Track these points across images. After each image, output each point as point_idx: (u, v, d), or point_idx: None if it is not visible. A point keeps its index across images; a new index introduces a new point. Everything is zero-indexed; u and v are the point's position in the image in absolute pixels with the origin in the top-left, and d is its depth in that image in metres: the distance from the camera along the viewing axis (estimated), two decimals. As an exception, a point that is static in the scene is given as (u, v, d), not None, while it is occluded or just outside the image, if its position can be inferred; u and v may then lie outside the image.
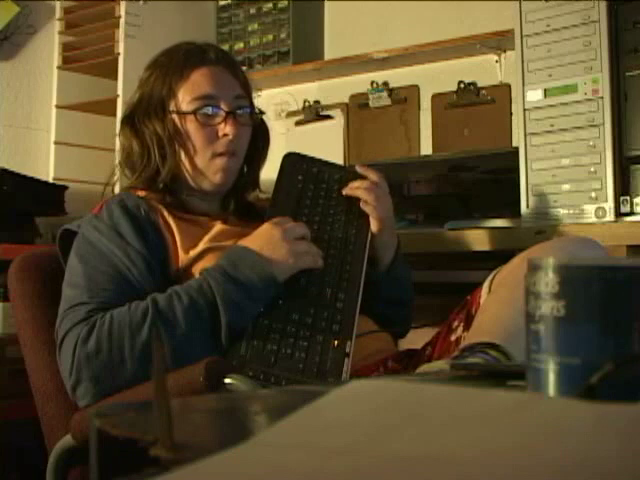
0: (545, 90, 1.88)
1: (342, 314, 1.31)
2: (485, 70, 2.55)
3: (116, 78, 2.78)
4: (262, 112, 1.53)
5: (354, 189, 1.46)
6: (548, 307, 0.54)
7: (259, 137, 1.54)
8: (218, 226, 1.44)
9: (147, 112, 1.45)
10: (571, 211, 1.83)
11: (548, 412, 0.44)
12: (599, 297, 0.53)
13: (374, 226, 1.44)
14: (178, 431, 0.46)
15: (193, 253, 1.36)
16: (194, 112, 1.41)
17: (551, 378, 0.54)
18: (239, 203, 1.53)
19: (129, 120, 1.47)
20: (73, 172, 2.93)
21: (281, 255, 1.28)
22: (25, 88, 3.00)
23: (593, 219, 1.79)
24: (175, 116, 1.43)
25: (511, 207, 1.93)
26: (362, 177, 1.49)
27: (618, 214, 1.77)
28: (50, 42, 3.04)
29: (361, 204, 1.44)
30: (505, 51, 2.49)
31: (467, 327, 1.34)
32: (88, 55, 2.98)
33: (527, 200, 1.88)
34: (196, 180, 1.45)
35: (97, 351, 1.21)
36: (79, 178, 2.90)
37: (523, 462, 0.38)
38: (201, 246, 1.37)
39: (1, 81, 2.94)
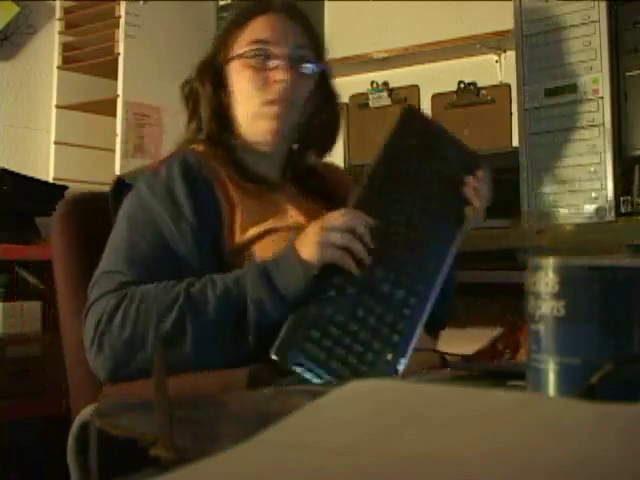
0: (545, 90, 1.88)
1: (406, 324, 1.15)
2: (485, 70, 2.55)
3: (116, 78, 2.78)
4: (325, 65, 1.42)
5: (473, 189, 1.30)
6: (548, 307, 0.54)
7: (325, 95, 1.42)
8: (280, 200, 1.34)
9: (206, 65, 1.42)
10: (571, 211, 1.83)
11: (548, 412, 0.44)
12: (599, 297, 0.53)
13: (465, 228, 1.30)
14: (178, 431, 0.46)
15: (251, 234, 1.27)
16: (245, 55, 1.34)
17: (551, 378, 0.54)
18: (299, 168, 1.43)
19: (198, 72, 1.43)
20: (73, 172, 2.93)
21: (309, 246, 1.18)
22: (25, 88, 3.01)
23: (593, 219, 1.79)
24: (229, 64, 1.37)
25: (511, 207, 1.93)
26: (475, 166, 1.32)
27: (618, 214, 1.77)
28: (50, 42, 3.04)
29: (469, 208, 1.29)
30: (505, 51, 2.49)
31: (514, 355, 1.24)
32: (88, 55, 2.98)
33: (527, 200, 1.88)
34: (248, 133, 1.36)
35: (121, 328, 1.15)
36: (79, 178, 2.90)
37: (523, 462, 0.38)
38: (261, 227, 1.28)
39: (1, 81, 2.94)
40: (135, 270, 1.20)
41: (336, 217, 1.19)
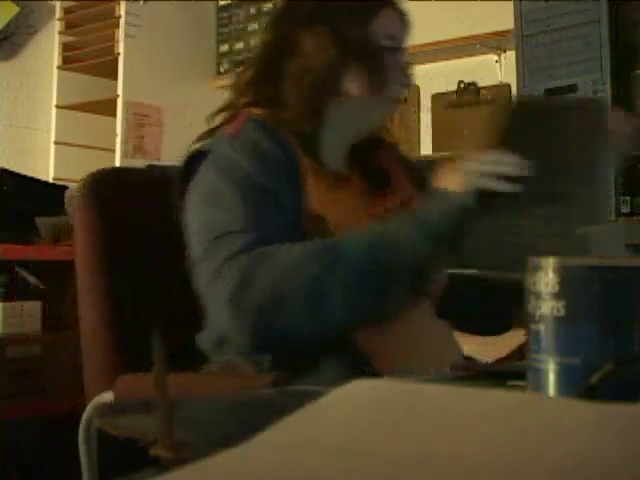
0: (545, 90, 1.88)
1: None
2: (485, 70, 2.55)
3: (116, 78, 2.79)
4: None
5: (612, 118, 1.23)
6: (548, 307, 0.54)
7: None
8: (351, 195, 1.28)
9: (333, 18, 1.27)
10: (571, 211, 1.83)
11: (548, 412, 0.44)
12: (599, 297, 0.53)
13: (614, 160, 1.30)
14: (178, 431, 0.46)
15: (327, 206, 1.22)
16: (385, 48, 1.28)
17: (551, 378, 0.54)
18: (366, 159, 1.37)
19: (320, 13, 1.29)
20: (73, 172, 2.93)
21: (454, 177, 1.12)
22: (25, 88, 3.01)
23: (593, 219, 1.79)
24: (362, 42, 1.28)
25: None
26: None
27: (618, 214, 1.77)
28: (50, 42, 3.04)
29: (613, 136, 1.22)
30: (505, 51, 2.49)
31: None
32: (88, 55, 2.99)
33: (527, 200, 1.88)
34: (350, 117, 1.29)
35: (262, 288, 1.08)
36: (79, 178, 2.89)
37: (523, 462, 0.38)
38: (330, 226, 1.20)
39: (1, 81, 2.94)
40: (258, 230, 1.13)
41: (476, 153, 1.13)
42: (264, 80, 1.30)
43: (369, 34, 1.28)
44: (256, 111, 1.27)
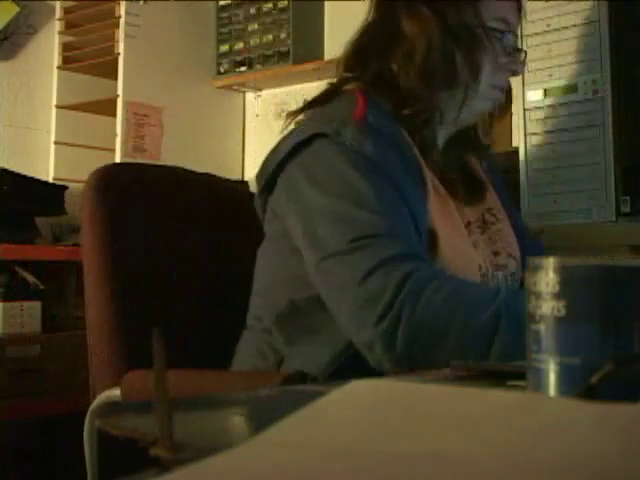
0: (545, 90, 1.88)
1: None
2: (485, 70, 2.55)
3: (116, 78, 2.78)
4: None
5: None
6: (549, 307, 0.54)
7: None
8: (450, 203, 1.19)
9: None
10: (571, 211, 1.83)
11: (548, 412, 0.44)
12: (599, 297, 0.53)
13: None
14: (178, 431, 0.46)
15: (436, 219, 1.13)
16: (502, 31, 1.20)
17: (551, 378, 0.54)
18: (465, 163, 1.31)
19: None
20: (73, 172, 2.93)
21: None
22: (25, 88, 3.00)
23: (593, 219, 1.79)
24: (467, 25, 1.19)
25: (511, 207, 1.93)
26: None
27: (618, 214, 1.77)
28: (50, 42, 3.04)
29: None
30: (505, 51, 2.49)
31: None
32: (88, 55, 2.98)
33: (527, 200, 1.88)
34: (456, 105, 1.21)
35: (425, 310, 0.97)
36: (79, 178, 2.89)
37: (523, 462, 0.38)
38: (439, 241, 1.11)
39: (1, 81, 2.94)
40: (404, 239, 1.04)
41: None
42: (371, 56, 1.23)
43: (476, 15, 1.19)
44: (363, 87, 1.19)
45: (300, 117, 1.24)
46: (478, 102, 1.22)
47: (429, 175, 1.18)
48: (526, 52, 1.30)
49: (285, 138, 1.20)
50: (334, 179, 1.09)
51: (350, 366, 1.07)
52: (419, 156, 1.17)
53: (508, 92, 1.32)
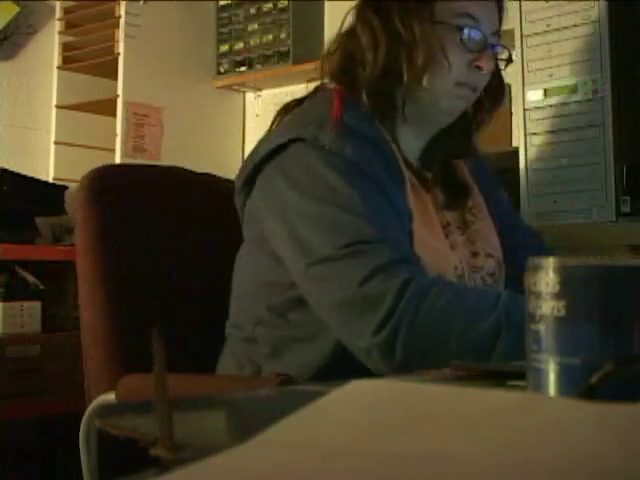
0: (545, 90, 1.88)
1: None
2: (485, 70, 2.55)
3: (116, 78, 2.78)
4: (510, 60, 1.29)
5: None
6: (549, 307, 0.54)
7: (493, 89, 1.28)
8: (429, 205, 1.19)
9: (406, 4, 1.19)
10: (571, 211, 1.83)
11: (548, 412, 0.44)
12: (599, 297, 0.53)
13: None
14: (178, 431, 0.46)
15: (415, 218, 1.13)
16: (460, 27, 1.18)
17: (551, 378, 0.54)
18: (448, 168, 1.29)
19: (374, 3, 1.22)
20: (73, 172, 2.93)
21: None
22: (25, 88, 3.00)
23: (593, 219, 1.79)
24: (435, 25, 1.19)
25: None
26: None
27: (618, 214, 1.77)
28: (50, 42, 3.04)
29: None
30: (505, 51, 2.49)
31: None
32: (88, 55, 2.98)
33: (527, 200, 1.88)
34: (422, 104, 1.21)
35: (425, 318, 0.97)
36: (79, 178, 2.89)
37: (523, 462, 0.37)
38: (415, 241, 1.11)
39: (1, 81, 2.94)
40: (389, 240, 1.04)
41: None
42: (342, 60, 1.25)
43: (430, 14, 1.18)
44: (338, 88, 1.21)
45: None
46: (444, 100, 1.21)
47: (407, 175, 1.18)
48: (509, 48, 1.27)
49: (263, 140, 1.22)
50: (316, 183, 1.08)
51: (336, 369, 1.07)
52: (398, 155, 1.18)
53: (496, 92, 1.29)
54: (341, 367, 1.04)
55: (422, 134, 1.27)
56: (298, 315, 1.14)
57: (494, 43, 1.23)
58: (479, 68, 1.20)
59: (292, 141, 1.13)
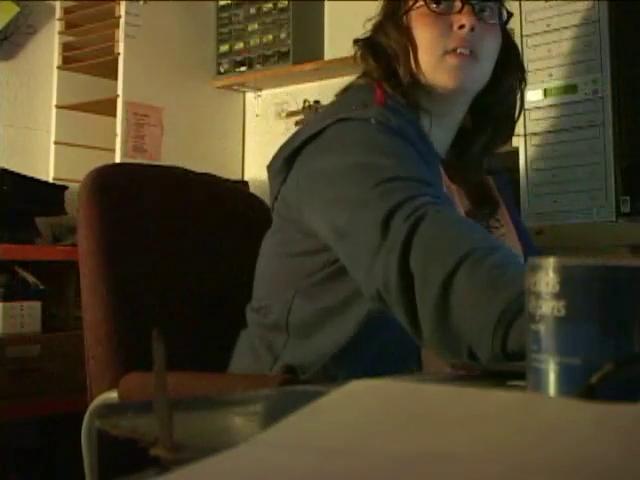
0: (545, 90, 1.88)
1: None
2: (485, 70, 2.55)
3: (116, 78, 2.78)
4: (510, 14, 1.25)
5: None
6: (549, 307, 0.54)
7: (508, 52, 1.25)
8: (458, 201, 1.19)
9: (388, 13, 1.26)
10: (571, 211, 1.83)
11: (548, 412, 0.44)
12: (599, 297, 0.53)
13: None
14: (178, 431, 0.46)
15: None
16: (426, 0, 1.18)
17: (551, 378, 0.54)
18: (472, 149, 1.28)
19: (380, 27, 1.27)
20: (73, 172, 2.93)
21: None
22: (25, 88, 3.00)
23: (593, 219, 1.79)
24: (410, 14, 1.21)
25: (511, 207, 1.93)
26: None
27: (618, 214, 1.77)
28: (50, 42, 3.04)
29: None
30: (505, 51, 2.49)
31: None
32: (88, 55, 2.98)
33: (527, 200, 1.88)
34: (429, 90, 1.21)
35: (426, 250, 0.94)
36: (79, 178, 2.88)
37: (523, 462, 0.37)
38: None
39: (1, 81, 2.94)
40: (427, 180, 1.04)
41: None
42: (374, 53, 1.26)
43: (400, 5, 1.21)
44: (377, 80, 1.21)
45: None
46: (438, 74, 1.20)
47: (442, 171, 1.19)
48: (476, 5, 1.21)
49: (301, 129, 1.22)
50: (359, 142, 1.09)
51: (363, 342, 1.10)
52: (435, 149, 1.19)
53: (498, 106, 1.30)
54: (370, 339, 1.08)
55: (446, 124, 1.26)
56: (333, 284, 1.13)
57: (482, 1, 1.21)
58: (461, 27, 1.18)
59: (333, 124, 1.13)
